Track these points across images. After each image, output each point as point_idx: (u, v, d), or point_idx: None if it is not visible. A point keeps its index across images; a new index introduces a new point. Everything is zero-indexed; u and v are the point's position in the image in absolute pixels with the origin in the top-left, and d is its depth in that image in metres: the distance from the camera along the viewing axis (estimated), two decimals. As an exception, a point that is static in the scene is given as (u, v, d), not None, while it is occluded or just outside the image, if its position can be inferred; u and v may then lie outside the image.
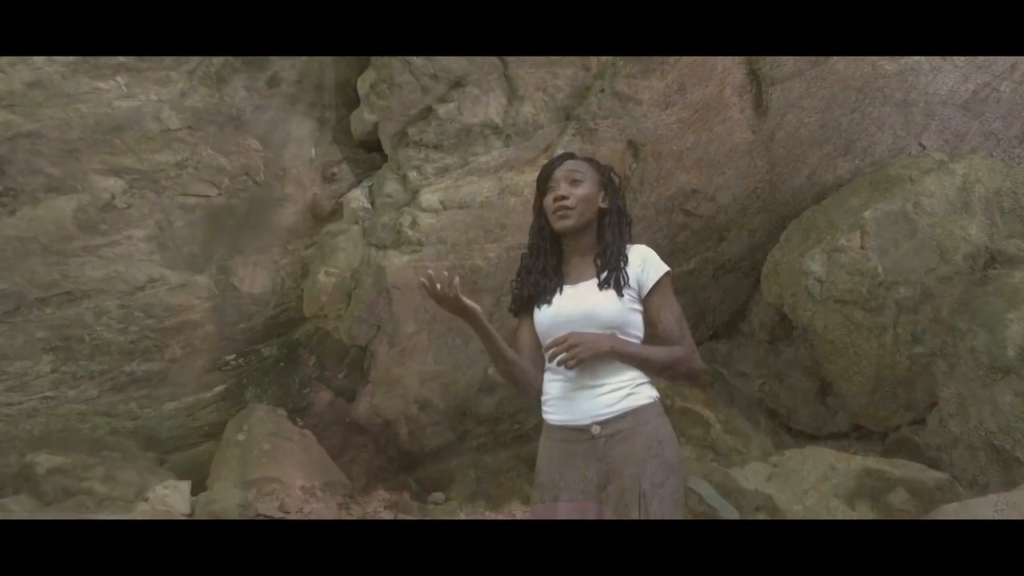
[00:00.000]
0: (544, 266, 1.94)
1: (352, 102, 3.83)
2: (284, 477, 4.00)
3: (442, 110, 3.74)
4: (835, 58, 4.22)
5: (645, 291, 1.87)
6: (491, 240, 4.14)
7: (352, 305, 4.24)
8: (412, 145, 3.84)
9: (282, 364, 4.51)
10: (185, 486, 3.52)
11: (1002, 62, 4.79)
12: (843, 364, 4.35)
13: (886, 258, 4.07)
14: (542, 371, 1.93)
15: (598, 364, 1.80)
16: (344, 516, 3.84)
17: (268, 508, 3.66)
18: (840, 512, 3.34)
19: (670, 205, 4.50)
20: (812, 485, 3.46)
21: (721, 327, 5.68)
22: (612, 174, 2.01)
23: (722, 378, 4.94)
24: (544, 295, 1.91)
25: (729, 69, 4.05)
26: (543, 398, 1.92)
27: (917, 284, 4.00)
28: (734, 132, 4.28)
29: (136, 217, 3.60)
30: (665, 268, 1.89)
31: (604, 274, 1.86)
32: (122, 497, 3.33)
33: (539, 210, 1.99)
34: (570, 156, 2.02)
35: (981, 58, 4.59)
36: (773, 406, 4.81)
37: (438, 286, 1.75)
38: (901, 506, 3.33)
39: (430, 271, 1.78)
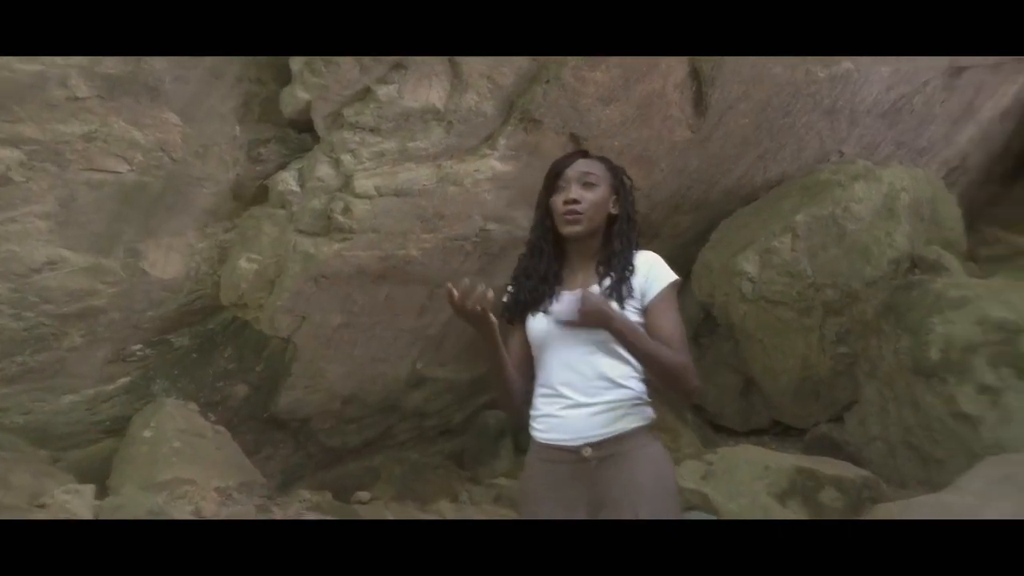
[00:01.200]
0: (545, 271, 1.81)
1: (283, 77, 3.57)
2: (197, 478, 3.74)
3: (381, 92, 3.54)
4: (772, 61, 4.28)
5: (648, 300, 1.75)
6: (427, 230, 3.99)
7: (275, 294, 4.00)
8: (347, 127, 3.62)
9: (194, 355, 4.22)
10: (88, 490, 3.20)
11: (921, 75, 5.00)
12: (770, 363, 4.45)
13: (815, 261, 4.18)
14: (529, 383, 1.81)
15: (592, 381, 1.69)
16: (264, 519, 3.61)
17: (181, 513, 3.39)
18: (774, 510, 3.39)
19: (607, 201, 4.47)
20: (746, 484, 3.50)
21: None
22: (624, 176, 1.89)
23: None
24: (540, 302, 1.78)
25: (672, 66, 4.03)
26: (532, 412, 1.80)
27: (844, 287, 4.12)
28: (674, 130, 4.28)
29: (35, 192, 3.23)
30: (672, 277, 1.78)
31: (607, 283, 1.75)
32: (15, 504, 2.99)
33: (544, 209, 1.84)
34: (583, 154, 1.89)
35: (905, 68, 4.77)
36: (700, 403, 4.89)
37: (467, 303, 1.61)
38: (830, 504, 3.41)
39: (467, 279, 1.62)
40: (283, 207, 3.84)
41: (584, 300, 1.61)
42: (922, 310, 3.75)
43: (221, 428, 4.18)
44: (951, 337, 3.65)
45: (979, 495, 2.67)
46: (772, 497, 3.47)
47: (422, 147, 3.74)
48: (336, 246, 3.84)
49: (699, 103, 4.27)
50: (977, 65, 5.31)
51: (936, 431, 3.59)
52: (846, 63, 4.53)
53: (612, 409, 1.70)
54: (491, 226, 4.10)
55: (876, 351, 3.96)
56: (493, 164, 3.88)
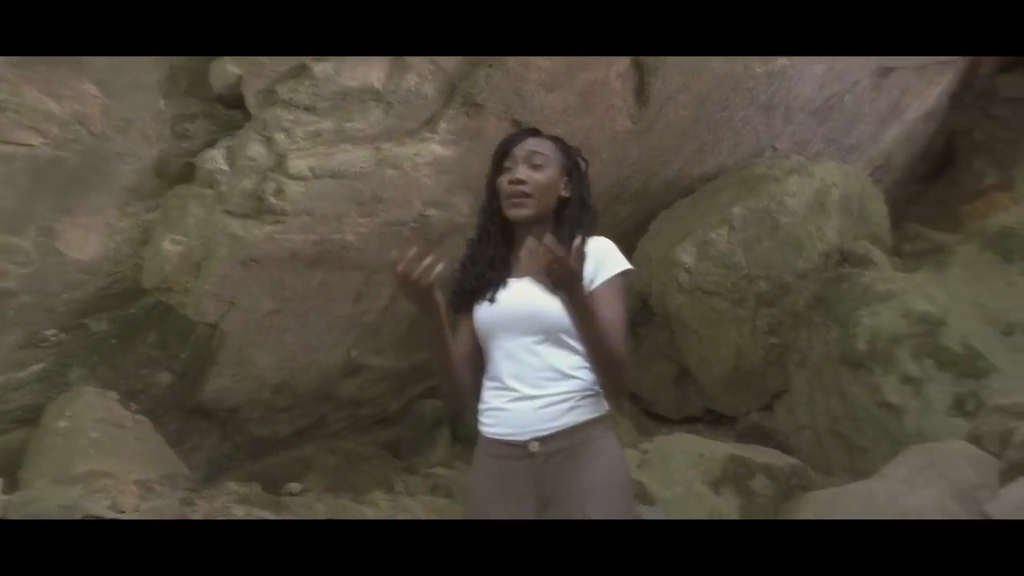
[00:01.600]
0: (492, 257, 1.72)
1: (213, 50, 3.41)
2: (116, 470, 3.56)
3: (318, 69, 3.41)
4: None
5: (594, 286, 1.66)
6: (364, 214, 3.88)
7: (202, 278, 3.84)
8: (281, 105, 3.48)
9: (114, 341, 4.01)
10: (-5, 485, 3.00)
11: (852, 74, 5.14)
12: (704, 353, 4.52)
13: (750, 253, 4.27)
14: (477, 375, 1.73)
15: (540, 372, 1.62)
16: (188, 514, 3.46)
17: (98, 508, 3.21)
18: (708, 498, 3.45)
19: (548, 189, 4.45)
20: (681, 472, 3.54)
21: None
22: (579, 158, 1.81)
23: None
24: (486, 289, 1.70)
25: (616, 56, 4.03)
26: (480, 407, 1.72)
27: (777, 279, 4.22)
28: (615, 120, 4.28)
29: (-62, 165, 3.01)
30: (624, 266, 1.71)
31: None
32: (-88, 501, 2.78)
33: (492, 191, 1.75)
34: (534, 132, 1.79)
35: (839, 67, 4.89)
36: (636, 391, 4.93)
37: (412, 273, 1.47)
38: (761, 491, 3.49)
39: (415, 248, 1.48)
40: (211, 187, 3.68)
41: (574, 256, 1.46)
42: (851, 302, 3.88)
43: (142, 418, 4.00)
44: (877, 329, 3.78)
45: (904, 483, 2.76)
46: (706, 485, 3.53)
47: (360, 128, 3.63)
48: (267, 229, 3.70)
49: (641, 93, 4.28)
50: (903, 67, 5.51)
51: (862, 420, 3.71)
52: (782, 60, 4.61)
53: (561, 401, 1.63)
54: (430, 211, 4.03)
55: (806, 342, 4.07)
56: (433, 148, 3.80)
